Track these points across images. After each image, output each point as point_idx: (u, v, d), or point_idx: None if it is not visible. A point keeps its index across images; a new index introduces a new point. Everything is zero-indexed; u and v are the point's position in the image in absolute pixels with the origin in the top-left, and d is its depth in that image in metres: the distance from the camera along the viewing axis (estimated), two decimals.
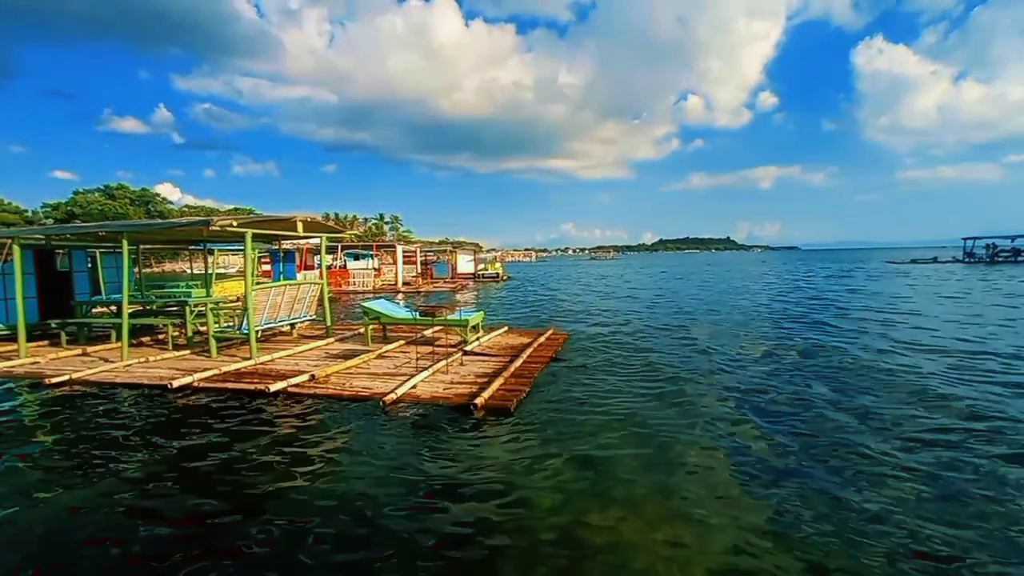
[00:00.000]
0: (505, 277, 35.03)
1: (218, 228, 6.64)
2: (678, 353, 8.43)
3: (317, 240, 30.66)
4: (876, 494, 3.55)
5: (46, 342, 9.29)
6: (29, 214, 60.36)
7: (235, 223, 6.80)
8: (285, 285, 8.38)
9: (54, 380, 6.47)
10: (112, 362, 7.26)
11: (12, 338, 8.61)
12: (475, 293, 23.67)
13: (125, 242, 7.10)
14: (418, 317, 8.27)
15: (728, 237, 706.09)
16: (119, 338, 7.99)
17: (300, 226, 8.49)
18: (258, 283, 9.93)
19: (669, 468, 4.01)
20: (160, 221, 7.48)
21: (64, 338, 9.06)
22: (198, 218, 6.82)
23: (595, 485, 3.72)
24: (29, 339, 9.12)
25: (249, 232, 7.14)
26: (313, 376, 6.29)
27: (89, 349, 8.36)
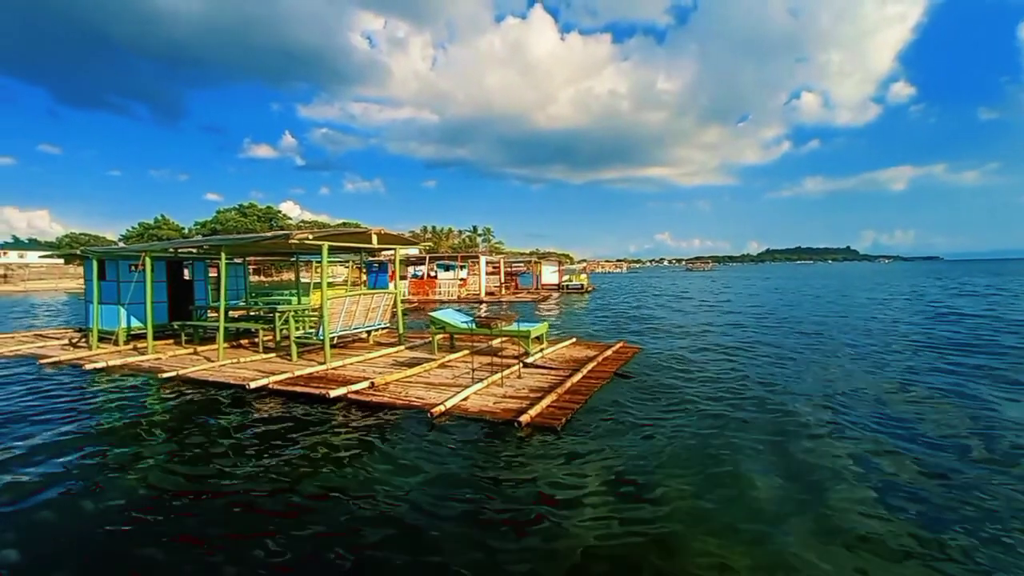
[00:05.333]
0: (590, 289, 34.35)
1: (296, 241, 7.21)
2: (756, 378, 7.53)
3: (413, 251, 32.21)
4: None
5: (171, 341, 10.72)
6: (185, 231, 71.38)
7: (311, 236, 7.35)
8: (360, 294, 8.86)
9: (165, 375, 7.42)
10: (211, 362, 8.15)
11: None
12: (557, 304, 23.43)
13: (223, 255, 7.99)
14: (473, 328, 8.28)
15: (848, 247, 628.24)
16: (223, 340, 8.97)
17: (375, 238, 8.94)
18: (352, 292, 10.63)
19: (726, 507, 3.50)
20: (250, 235, 8.32)
21: (183, 338, 10.39)
22: (280, 232, 7.45)
23: (632, 517, 3.35)
24: (161, 337, 10.63)
25: (325, 244, 7.67)
26: (373, 383, 6.51)
27: (199, 349, 9.49)
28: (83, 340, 10.95)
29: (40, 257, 48.02)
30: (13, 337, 11.81)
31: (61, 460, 4.43)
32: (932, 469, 4.15)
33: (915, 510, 3.49)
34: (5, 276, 46.98)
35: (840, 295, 25.61)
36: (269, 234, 7.79)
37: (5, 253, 64.49)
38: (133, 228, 70.38)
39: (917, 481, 3.94)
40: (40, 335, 12.10)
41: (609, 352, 8.65)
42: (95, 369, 8.04)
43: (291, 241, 7.12)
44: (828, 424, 5.28)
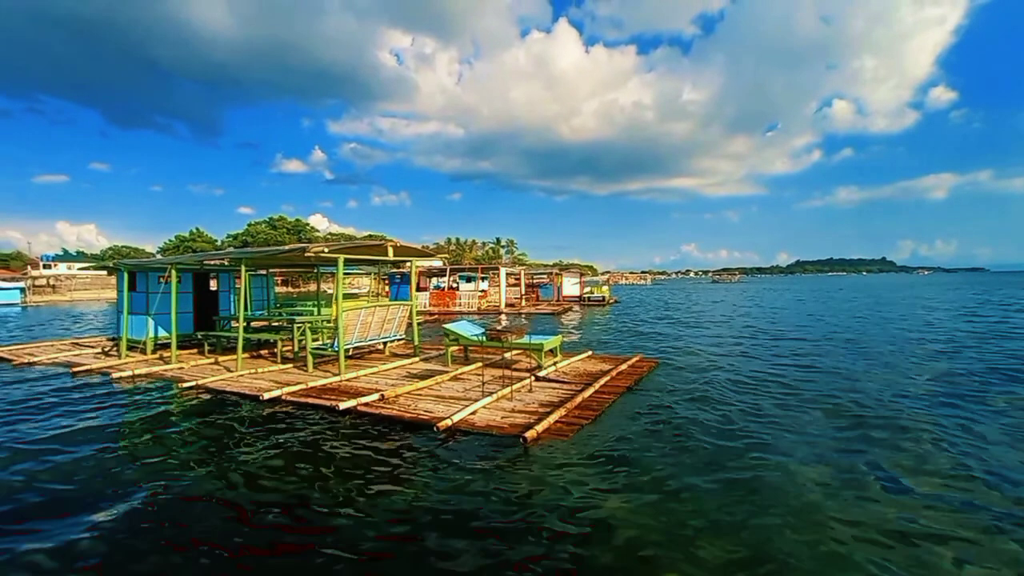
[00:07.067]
0: (612, 301, 33.96)
1: (312, 254, 7.35)
2: (780, 397, 7.24)
3: (437, 263, 32.58)
4: None
5: (196, 350, 11.01)
6: (218, 243, 74.06)
7: (326, 249, 7.48)
8: (375, 306, 8.94)
9: (185, 384, 7.62)
10: (231, 372, 8.34)
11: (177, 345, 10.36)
12: (578, 316, 23.23)
13: (243, 267, 8.21)
14: (484, 340, 8.24)
15: (884, 257, 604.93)
16: (244, 350, 9.16)
17: (391, 251, 9.03)
18: (368, 304, 10.77)
19: (738, 535, 3.34)
20: (269, 248, 8.55)
21: (207, 347, 10.67)
22: (297, 245, 7.61)
23: (627, 538, 3.22)
24: (187, 346, 10.94)
25: (341, 257, 7.78)
26: (383, 396, 6.52)
27: (221, 358, 9.71)
28: (115, 349, 11.36)
29: (79, 269, 50.49)
30: (53, 345, 12.36)
31: (69, 459, 4.58)
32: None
33: None
34: (53, 287, 49.49)
35: (873, 309, 24.62)
36: (287, 247, 7.96)
37: (55, 265, 68.01)
38: (170, 241, 73.46)
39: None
40: (76, 343, 12.64)
41: (624, 366, 8.48)
42: (121, 377, 8.32)
43: (307, 254, 7.27)
44: (837, 468, 5.02)
